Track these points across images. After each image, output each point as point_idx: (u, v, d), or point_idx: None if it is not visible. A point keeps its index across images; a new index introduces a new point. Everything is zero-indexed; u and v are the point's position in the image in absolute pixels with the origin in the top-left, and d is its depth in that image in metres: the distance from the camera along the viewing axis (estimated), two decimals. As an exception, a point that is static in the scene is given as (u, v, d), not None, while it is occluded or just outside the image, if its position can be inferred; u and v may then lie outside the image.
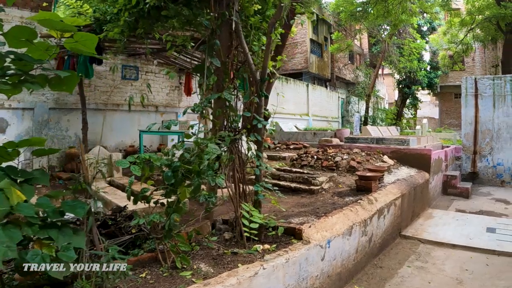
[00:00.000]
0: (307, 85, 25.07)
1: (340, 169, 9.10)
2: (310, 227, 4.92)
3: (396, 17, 21.31)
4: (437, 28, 31.28)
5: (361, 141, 12.49)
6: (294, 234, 4.82)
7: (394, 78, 34.71)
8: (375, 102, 31.42)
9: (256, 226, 4.58)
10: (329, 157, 9.64)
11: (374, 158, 10.11)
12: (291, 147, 13.48)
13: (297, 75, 28.13)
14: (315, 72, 29.29)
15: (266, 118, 14.80)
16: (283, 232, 4.89)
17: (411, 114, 36.84)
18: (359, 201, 6.38)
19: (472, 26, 23.74)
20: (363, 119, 27.36)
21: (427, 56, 35.40)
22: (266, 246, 4.51)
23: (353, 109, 30.33)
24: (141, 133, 12.29)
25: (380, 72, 42.92)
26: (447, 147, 15.21)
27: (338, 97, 29.53)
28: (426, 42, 30.03)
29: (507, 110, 14.15)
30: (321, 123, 25.12)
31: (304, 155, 10.20)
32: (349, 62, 33.73)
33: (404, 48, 27.45)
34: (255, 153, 4.99)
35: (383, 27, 28.82)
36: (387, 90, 44.46)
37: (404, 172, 9.63)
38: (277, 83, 21.26)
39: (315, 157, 9.78)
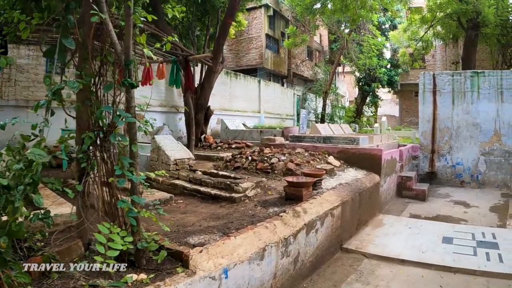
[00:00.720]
0: (259, 81, 23.66)
1: (275, 172, 7.85)
2: (201, 252, 3.64)
3: (355, 12, 20.44)
4: (399, 26, 30.53)
5: (307, 140, 11.31)
6: (182, 260, 3.60)
7: (355, 76, 33.80)
8: (334, 99, 30.47)
9: (115, 254, 3.30)
10: (265, 158, 8.39)
11: (318, 159, 8.95)
12: (233, 146, 12.28)
13: (251, 71, 27.02)
14: (271, 68, 28.18)
15: (209, 114, 13.51)
16: (172, 256, 3.73)
17: (371, 112, 36.15)
18: (281, 214, 5.10)
19: (432, 23, 23.11)
20: (319, 116, 26.39)
21: (388, 54, 34.73)
22: (142, 276, 3.34)
23: (310, 106, 29.07)
24: (62, 132, 10.95)
25: (340, 70, 42.35)
26: (404, 145, 14.28)
27: (294, 93, 28.15)
28: (386, 39, 29.11)
29: (467, 108, 13.38)
30: (274, 121, 23.67)
31: (239, 156, 8.95)
32: (307, 58, 32.67)
33: (363, 45, 26.55)
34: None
35: (343, 24, 27.90)
36: (347, 88, 43.89)
37: (351, 174, 8.47)
38: (225, 78, 19.93)
39: (250, 158, 8.52)
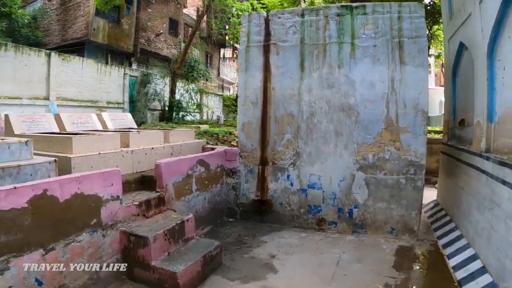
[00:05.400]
0: (49, 55, 15.84)
1: None
2: None
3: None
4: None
5: None
6: None
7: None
8: (204, 86, 24.02)
9: None
10: None
11: None
12: None
13: (79, 45, 20.33)
14: (104, 42, 20.98)
15: None
16: None
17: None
18: None
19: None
20: (167, 104, 19.73)
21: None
22: None
23: (155, 90, 21.35)
24: None
25: (229, 55, 36.49)
26: (212, 149, 7.70)
27: (125, 74, 19.90)
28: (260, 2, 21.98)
29: (330, 76, 6.88)
30: (80, 110, 15.75)
31: None
32: (162, 31, 24.82)
33: (227, 11, 19.91)
34: None
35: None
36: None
37: None
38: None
39: None
